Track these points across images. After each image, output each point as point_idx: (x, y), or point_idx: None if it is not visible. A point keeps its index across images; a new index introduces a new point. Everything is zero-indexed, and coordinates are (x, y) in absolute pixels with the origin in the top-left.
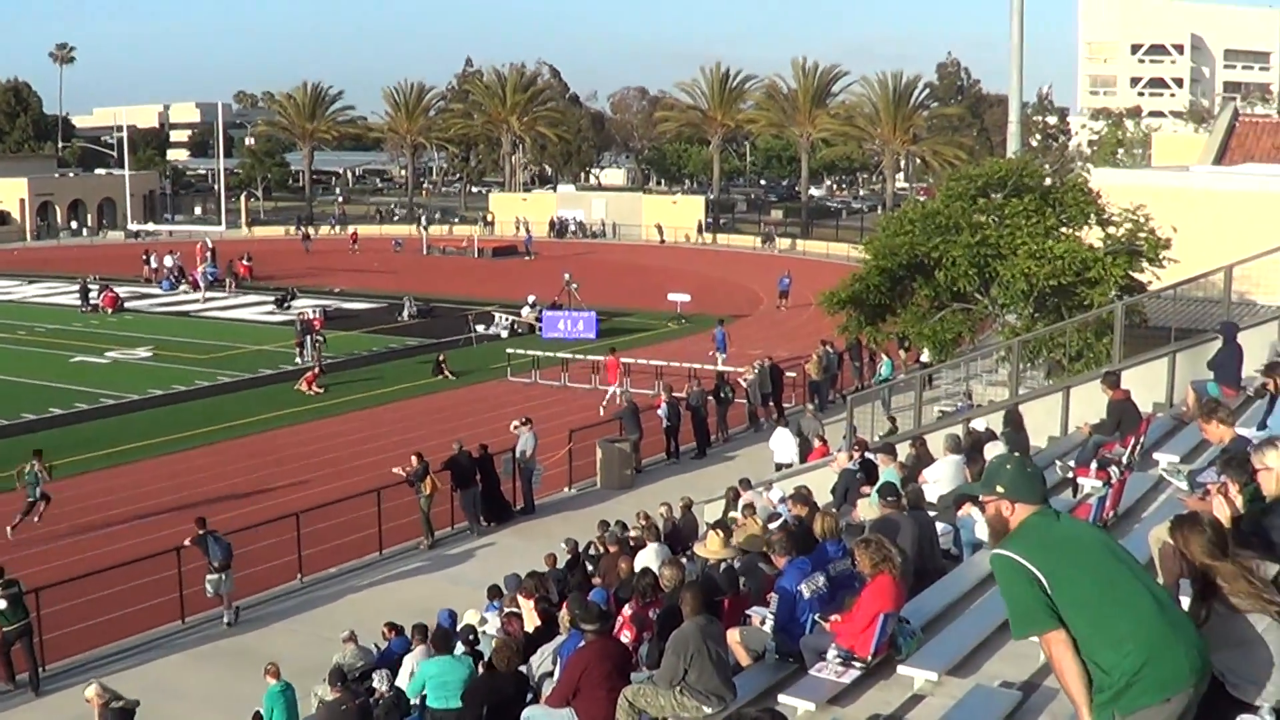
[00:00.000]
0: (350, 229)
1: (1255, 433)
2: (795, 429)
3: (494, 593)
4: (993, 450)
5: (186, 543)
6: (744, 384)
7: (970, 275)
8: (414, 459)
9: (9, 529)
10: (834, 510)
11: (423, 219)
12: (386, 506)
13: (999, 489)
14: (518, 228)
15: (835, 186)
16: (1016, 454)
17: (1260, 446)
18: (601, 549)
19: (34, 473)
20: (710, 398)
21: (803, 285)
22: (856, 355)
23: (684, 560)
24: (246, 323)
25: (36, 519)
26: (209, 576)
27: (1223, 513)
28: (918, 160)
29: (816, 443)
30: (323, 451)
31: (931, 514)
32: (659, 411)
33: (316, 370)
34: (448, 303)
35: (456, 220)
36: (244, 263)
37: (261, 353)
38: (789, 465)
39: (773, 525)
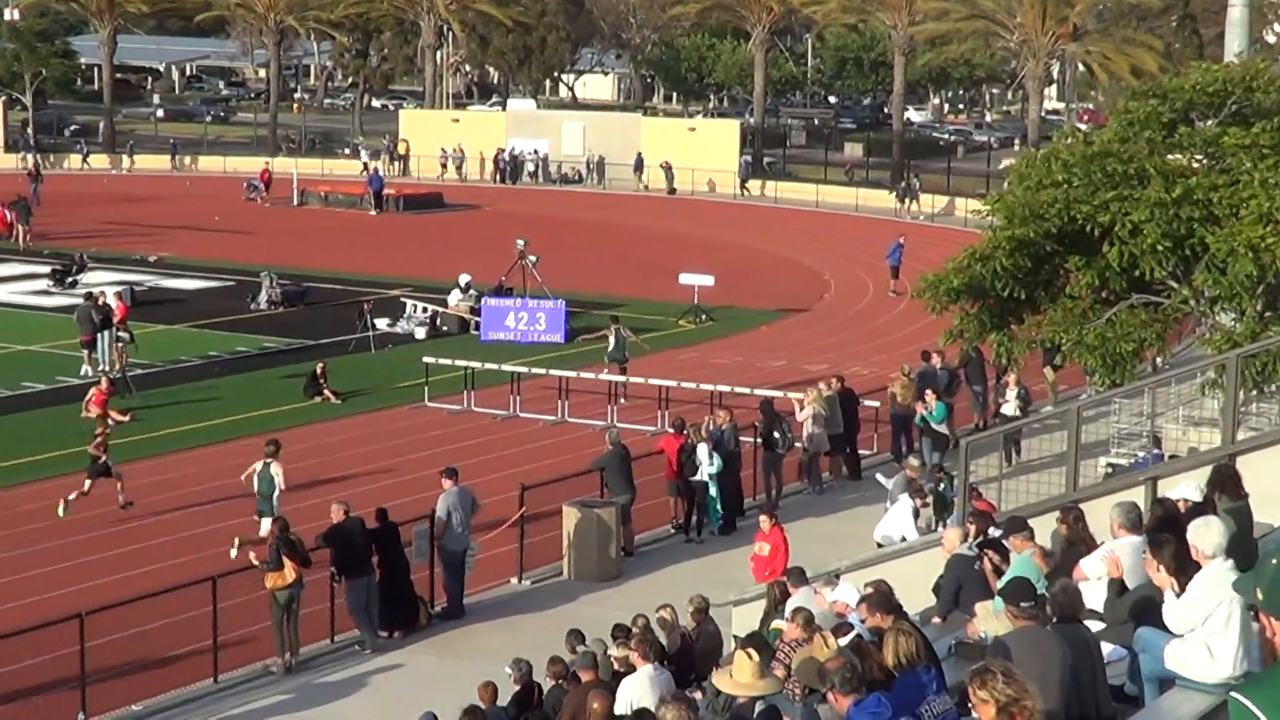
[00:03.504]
0: (263, 164)
1: None
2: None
3: None
4: (1202, 531)
5: None
6: (800, 419)
7: (1162, 252)
8: (267, 526)
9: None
10: (940, 617)
11: (365, 153)
12: (227, 606)
13: (1259, 594)
14: (446, 164)
15: (947, 108)
16: None
17: None
18: (565, 677)
19: (620, 334)
20: (756, 441)
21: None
22: (976, 375)
23: (696, 695)
24: (3, 309)
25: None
26: None
27: None
28: (1079, 67)
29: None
30: (125, 515)
31: (1095, 629)
32: (699, 458)
33: (107, 386)
34: (330, 282)
35: (345, 150)
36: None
37: (27, 357)
38: (899, 542)
39: (843, 642)
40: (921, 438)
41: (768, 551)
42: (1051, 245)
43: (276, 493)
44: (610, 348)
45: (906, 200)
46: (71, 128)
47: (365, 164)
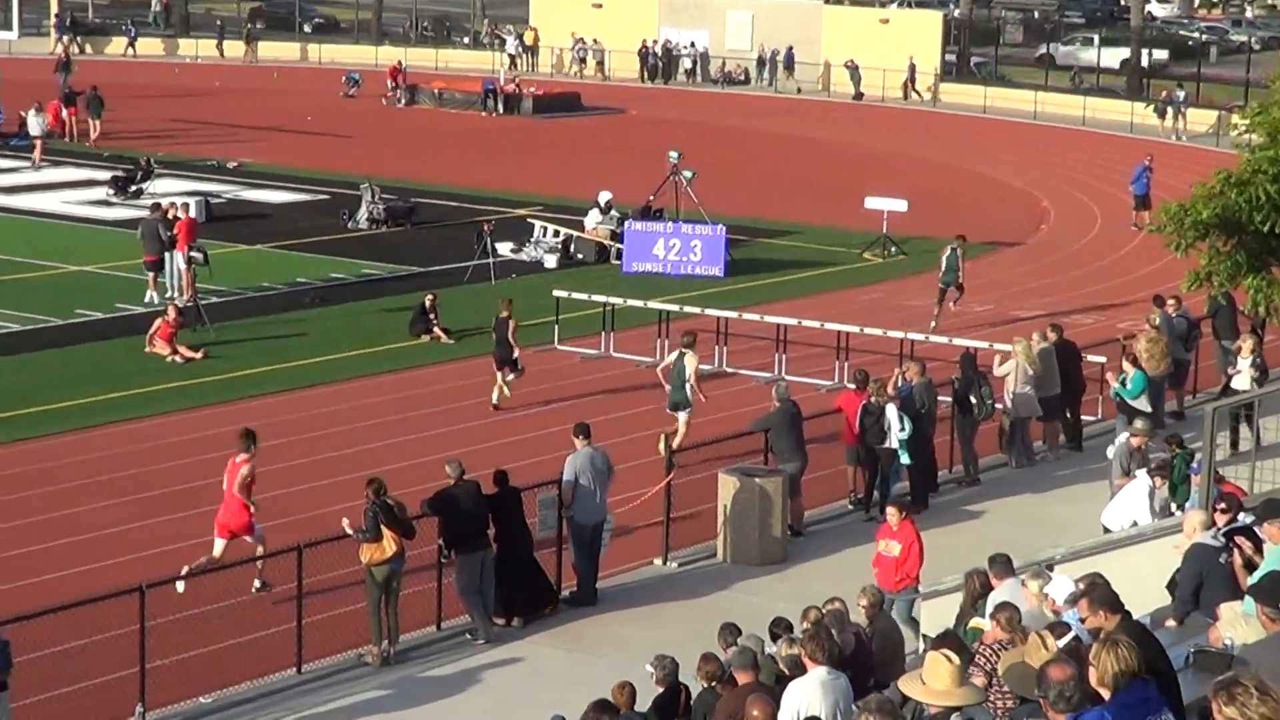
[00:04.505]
0: (395, 61)
1: None
2: (1123, 464)
3: None
4: None
5: None
6: (998, 374)
7: None
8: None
9: (932, 323)
10: (1175, 619)
11: (513, 42)
12: (314, 581)
13: None
14: (583, 59)
15: (1199, 1)
16: None
17: None
18: (719, 678)
19: (955, 255)
20: (950, 402)
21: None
22: (1226, 328)
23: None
24: (56, 221)
25: (953, 305)
26: None
27: None
28: None
29: None
30: (194, 470)
31: None
32: (888, 420)
33: (175, 316)
34: (443, 197)
35: (464, 39)
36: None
37: (83, 279)
38: (1132, 529)
39: (1060, 643)
40: (1117, 414)
41: (898, 551)
42: None
43: (689, 385)
44: (942, 269)
45: (1167, 115)
46: (315, 20)
47: (512, 57)
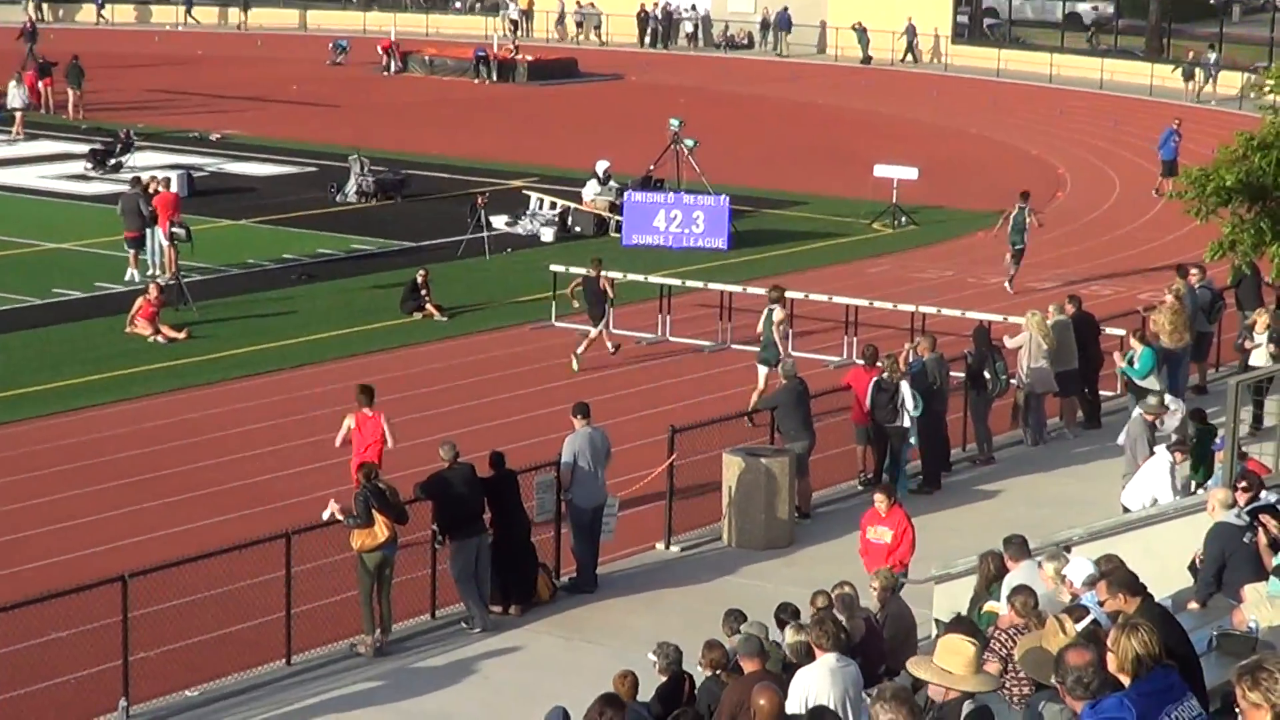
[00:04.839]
0: (386, 34)
1: None
2: (1147, 441)
3: None
4: None
5: None
6: (1009, 347)
7: None
8: (360, 476)
9: (1007, 284)
10: (1198, 602)
11: (514, 6)
12: (304, 570)
13: None
14: (580, 24)
15: None
16: None
17: None
18: (725, 666)
19: (1022, 215)
20: (962, 377)
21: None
22: (1250, 298)
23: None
24: (32, 196)
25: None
26: None
27: None
28: None
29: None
30: (178, 455)
31: None
32: (902, 397)
33: (156, 295)
34: (435, 169)
35: (457, 4)
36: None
37: (60, 257)
38: (1152, 508)
39: (1078, 627)
40: (1129, 393)
41: (890, 538)
42: None
43: (780, 337)
44: (1010, 230)
45: (1195, 78)
46: None
47: (514, 22)
